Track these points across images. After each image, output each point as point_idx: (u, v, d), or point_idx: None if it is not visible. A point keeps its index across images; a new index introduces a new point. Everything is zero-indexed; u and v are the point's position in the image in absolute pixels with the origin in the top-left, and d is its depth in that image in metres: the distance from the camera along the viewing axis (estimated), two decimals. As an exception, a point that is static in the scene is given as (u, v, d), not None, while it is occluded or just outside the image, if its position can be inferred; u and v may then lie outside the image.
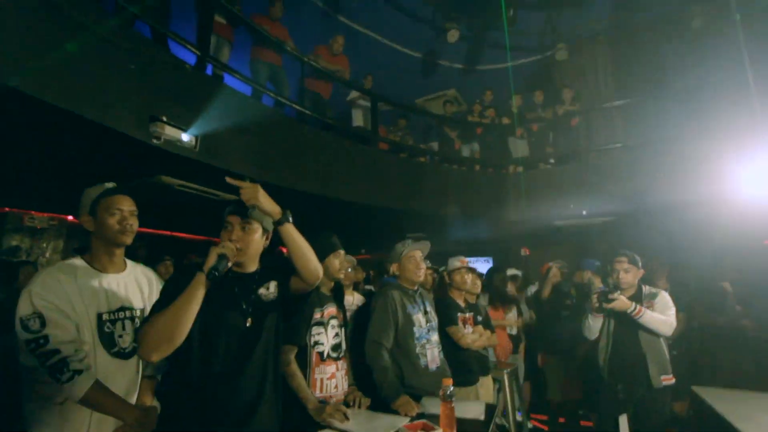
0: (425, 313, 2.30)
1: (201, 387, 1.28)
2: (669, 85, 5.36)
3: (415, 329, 2.18)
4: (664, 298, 2.61)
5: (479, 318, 2.91)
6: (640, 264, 2.68)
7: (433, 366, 2.17)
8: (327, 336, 1.92)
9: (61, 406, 1.31)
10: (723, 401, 2.18)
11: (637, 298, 2.63)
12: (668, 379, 2.45)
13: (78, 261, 1.46)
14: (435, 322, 2.36)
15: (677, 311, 2.62)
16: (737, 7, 4.46)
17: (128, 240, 1.50)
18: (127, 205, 1.50)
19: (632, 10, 5.53)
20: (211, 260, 1.25)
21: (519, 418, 3.54)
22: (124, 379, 1.44)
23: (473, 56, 6.35)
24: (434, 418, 1.61)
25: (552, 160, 6.18)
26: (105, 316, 1.42)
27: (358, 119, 5.60)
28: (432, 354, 2.21)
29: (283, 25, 4.56)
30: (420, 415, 1.74)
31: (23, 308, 1.29)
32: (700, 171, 4.29)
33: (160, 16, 3.34)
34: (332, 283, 2.06)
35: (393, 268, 2.35)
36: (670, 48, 5.30)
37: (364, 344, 2.11)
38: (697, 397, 2.34)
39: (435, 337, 2.30)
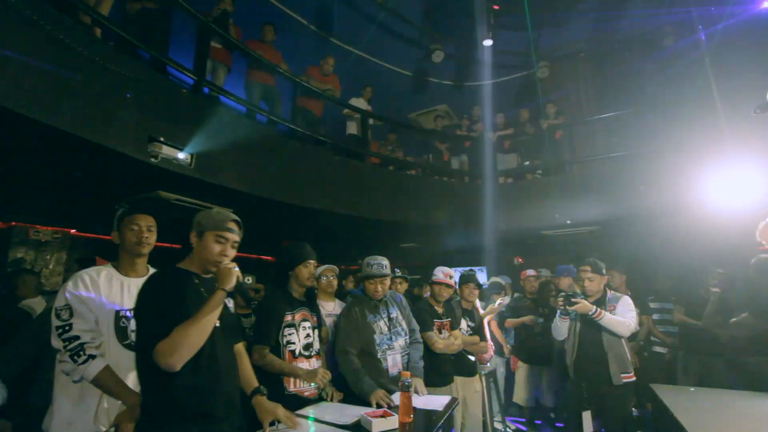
0: (389, 320, 2.42)
1: (192, 385, 1.32)
2: (645, 100, 5.60)
3: (376, 336, 2.32)
4: (626, 302, 2.78)
5: (471, 324, 3.08)
6: (603, 271, 2.86)
7: (394, 371, 2.27)
8: (298, 336, 2.10)
9: (80, 384, 1.57)
10: (676, 397, 2.33)
11: (602, 302, 2.80)
12: (628, 377, 2.62)
13: (108, 267, 1.76)
14: (402, 327, 2.46)
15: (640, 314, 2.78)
16: (702, 27, 4.72)
17: (144, 250, 1.77)
18: (144, 222, 1.77)
19: (609, 30, 5.82)
20: (232, 282, 1.38)
21: (497, 417, 3.67)
22: (133, 367, 1.60)
23: (460, 74, 6.66)
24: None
25: (539, 172, 6.41)
26: (122, 313, 1.68)
27: (351, 128, 5.87)
28: (393, 359, 2.32)
29: (276, 49, 4.84)
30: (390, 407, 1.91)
31: (58, 301, 1.59)
32: (676, 181, 4.48)
33: (160, 43, 3.61)
34: (303, 290, 2.25)
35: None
36: (645, 65, 5.56)
37: None
38: (655, 393, 2.49)
39: (400, 342, 2.39)
